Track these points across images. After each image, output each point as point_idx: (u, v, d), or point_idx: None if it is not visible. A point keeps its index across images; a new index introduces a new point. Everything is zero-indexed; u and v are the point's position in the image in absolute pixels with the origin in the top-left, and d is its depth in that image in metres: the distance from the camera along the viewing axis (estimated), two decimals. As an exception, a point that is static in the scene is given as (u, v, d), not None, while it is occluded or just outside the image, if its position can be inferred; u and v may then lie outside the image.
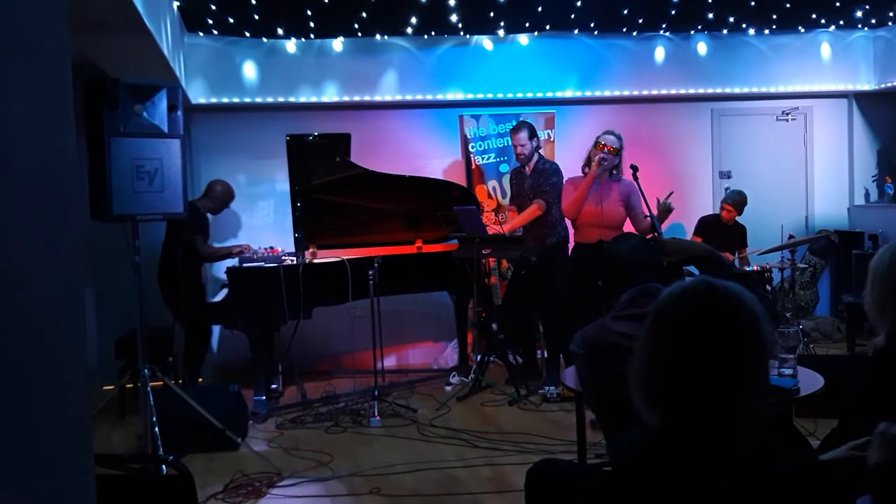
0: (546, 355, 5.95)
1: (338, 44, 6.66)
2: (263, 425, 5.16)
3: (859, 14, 6.75)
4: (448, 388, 5.93)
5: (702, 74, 7.16)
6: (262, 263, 5.43)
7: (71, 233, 1.25)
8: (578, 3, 6.11)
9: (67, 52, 1.29)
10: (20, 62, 1.06)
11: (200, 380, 5.92)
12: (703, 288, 1.54)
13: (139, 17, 3.85)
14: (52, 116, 1.21)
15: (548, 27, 6.72)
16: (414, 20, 6.26)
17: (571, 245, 5.76)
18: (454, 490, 3.95)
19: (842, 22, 7.03)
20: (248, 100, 6.58)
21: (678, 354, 1.50)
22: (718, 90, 7.20)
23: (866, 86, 7.35)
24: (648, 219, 5.23)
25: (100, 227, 4.10)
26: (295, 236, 5.61)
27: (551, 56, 6.91)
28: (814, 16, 6.80)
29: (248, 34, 6.42)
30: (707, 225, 6.65)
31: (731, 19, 6.76)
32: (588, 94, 7.00)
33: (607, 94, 7.04)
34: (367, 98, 6.76)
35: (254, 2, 5.60)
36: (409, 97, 6.81)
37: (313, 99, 6.67)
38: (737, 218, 6.58)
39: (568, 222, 5.75)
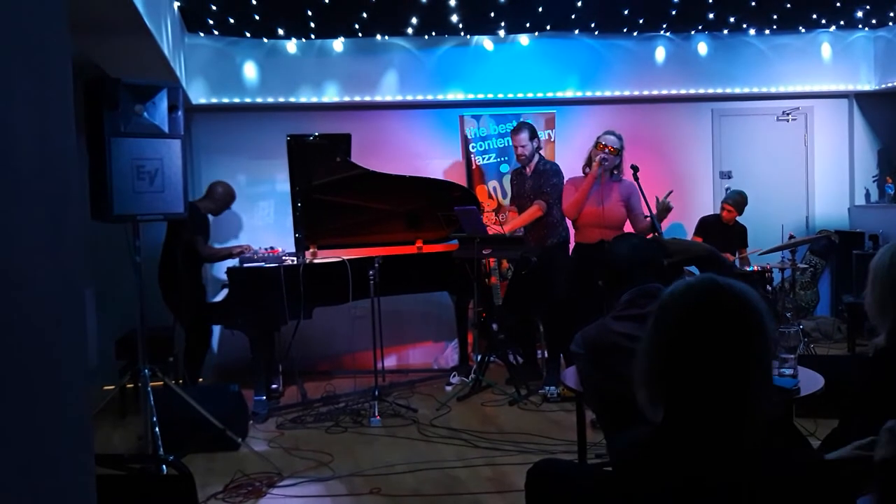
0: (546, 355, 5.95)
1: (338, 44, 6.66)
2: (264, 425, 5.16)
3: (860, 14, 6.74)
4: (448, 388, 5.93)
5: (702, 75, 7.16)
6: (263, 263, 5.43)
7: (71, 233, 1.25)
8: (579, 4, 6.11)
9: (67, 52, 1.29)
10: (20, 62, 1.06)
11: (201, 380, 5.92)
12: (708, 285, 1.54)
13: (140, 17, 3.85)
14: (52, 116, 1.21)
15: (548, 27, 6.72)
16: (414, 20, 6.26)
17: (572, 245, 5.77)
18: (454, 490, 3.95)
19: (842, 22, 7.02)
20: (248, 100, 6.58)
21: (682, 351, 1.50)
22: (719, 90, 7.20)
23: (867, 86, 7.34)
24: (648, 219, 5.23)
25: (100, 228, 4.10)
26: (295, 236, 5.61)
27: (552, 56, 6.90)
28: (814, 16, 6.80)
29: (248, 34, 6.42)
30: (708, 225, 6.65)
31: (732, 19, 6.76)
32: (588, 94, 6.99)
33: (608, 94, 7.04)
34: (367, 98, 6.76)
35: (254, 2, 5.60)
36: (409, 97, 6.81)
37: (314, 99, 6.68)
38: (737, 218, 6.58)
39: (569, 222, 5.75)
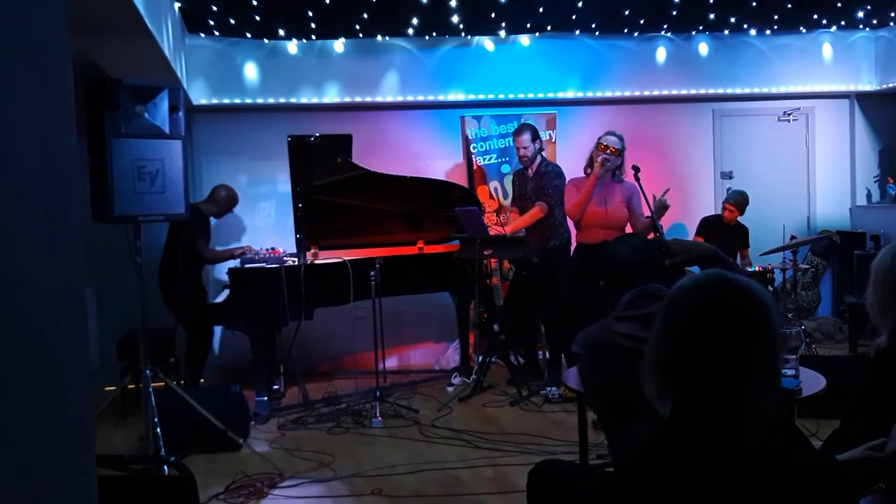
0: (548, 356, 5.95)
1: (339, 45, 6.66)
2: (265, 426, 5.16)
3: (861, 14, 6.74)
4: (450, 389, 5.93)
5: (703, 75, 7.15)
6: (264, 264, 5.43)
7: (71, 233, 1.25)
8: (580, 4, 6.11)
9: (68, 53, 1.28)
10: (20, 62, 1.06)
11: (202, 381, 5.92)
12: (716, 280, 1.55)
13: (140, 17, 3.85)
14: (52, 117, 1.21)
15: (549, 28, 6.72)
16: (415, 21, 6.26)
17: (573, 246, 5.76)
18: (456, 491, 3.95)
19: (843, 22, 7.02)
20: (249, 101, 6.58)
21: (690, 345, 1.50)
22: (720, 91, 7.19)
23: (868, 86, 7.34)
24: (647, 219, 5.23)
25: (101, 228, 4.10)
26: (296, 237, 5.61)
27: (552, 57, 6.90)
28: (815, 16, 6.80)
29: (249, 35, 6.42)
30: (709, 225, 6.65)
31: (733, 20, 6.76)
32: (589, 94, 6.99)
33: (608, 94, 7.04)
34: (368, 99, 6.76)
35: (255, 3, 5.60)
36: (410, 98, 6.81)
37: (314, 100, 6.68)
38: (739, 218, 6.58)
39: (570, 223, 5.75)
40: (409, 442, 4.78)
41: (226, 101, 6.54)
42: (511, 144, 6.24)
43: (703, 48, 7.13)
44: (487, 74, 6.84)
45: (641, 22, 6.67)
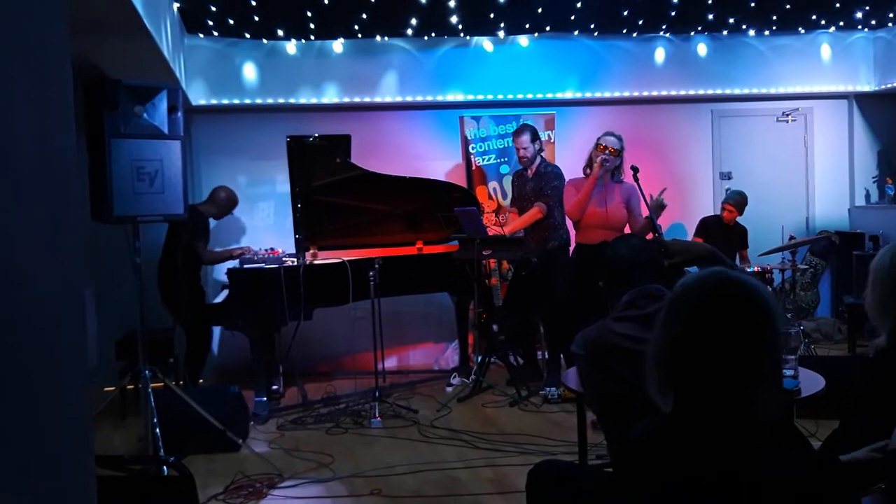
0: (547, 356, 5.95)
1: (338, 45, 6.66)
2: (264, 426, 5.16)
3: (859, 15, 6.75)
4: (449, 389, 5.93)
5: (702, 75, 7.16)
6: (263, 265, 5.43)
7: (71, 233, 1.25)
8: (578, 5, 6.11)
9: (67, 53, 1.28)
10: (20, 62, 1.06)
11: (201, 381, 5.92)
12: (719, 277, 1.55)
13: (139, 18, 3.85)
14: (52, 117, 1.21)
15: (548, 28, 6.72)
16: (414, 21, 6.26)
17: (572, 246, 5.76)
18: (455, 491, 3.95)
19: (842, 23, 7.03)
20: (248, 101, 6.58)
21: (693, 342, 1.51)
22: (718, 91, 7.20)
23: (866, 87, 7.34)
24: (645, 219, 5.23)
25: (100, 229, 4.10)
26: (295, 237, 5.61)
27: (551, 57, 6.90)
28: (814, 17, 6.80)
29: (248, 35, 6.42)
30: (708, 226, 6.65)
31: (731, 20, 6.76)
32: (588, 95, 7.00)
33: (607, 95, 7.04)
34: (367, 99, 6.76)
35: (254, 3, 5.60)
36: (409, 98, 6.81)
37: (313, 100, 6.68)
38: (738, 219, 6.58)
39: (570, 224, 5.75)
40: (409, 442, 4.78)
41: (225, 101, 6.54)
42: (510, 145, 6.23)
43: (702, 49, 7.14)
44: (486, 75, 6.84)
45: (640, 22, 6.68)
